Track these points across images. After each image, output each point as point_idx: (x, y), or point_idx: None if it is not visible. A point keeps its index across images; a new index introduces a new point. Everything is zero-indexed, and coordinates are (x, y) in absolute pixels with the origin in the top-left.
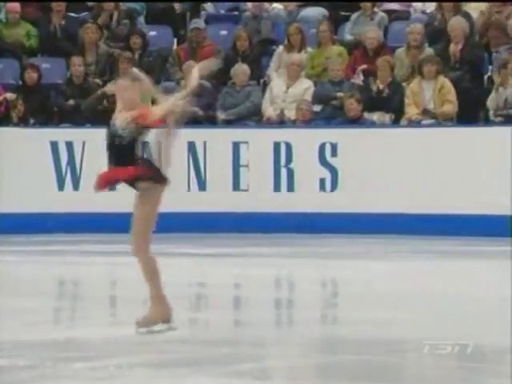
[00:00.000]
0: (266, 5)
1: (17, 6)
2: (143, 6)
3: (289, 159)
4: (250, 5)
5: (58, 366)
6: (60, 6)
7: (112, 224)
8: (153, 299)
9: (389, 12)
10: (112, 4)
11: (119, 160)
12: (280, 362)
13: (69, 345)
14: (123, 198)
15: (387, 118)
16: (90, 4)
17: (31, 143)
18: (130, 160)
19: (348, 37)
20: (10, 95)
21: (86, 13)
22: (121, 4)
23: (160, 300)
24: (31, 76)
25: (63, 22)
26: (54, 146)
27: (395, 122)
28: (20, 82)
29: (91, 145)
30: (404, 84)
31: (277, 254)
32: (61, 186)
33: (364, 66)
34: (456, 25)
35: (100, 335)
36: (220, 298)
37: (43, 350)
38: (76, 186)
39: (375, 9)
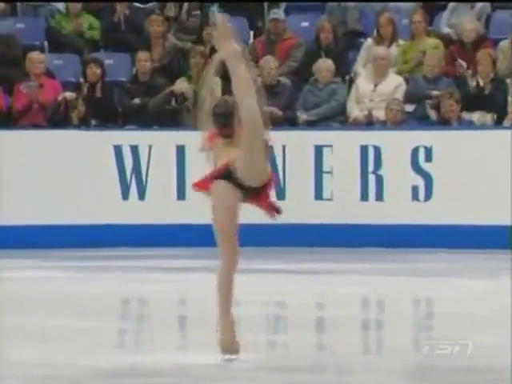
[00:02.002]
0: None
1: None
2: None
3: (377, 165)
4: None
5: None
6: None
7: (181, 237)
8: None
9: None
10: None
11: None
12: None
13: (133, 371)
14: (193, 209)
15: (489, 118)
16: None
17: (92, 147)
18: None
19: (445, 28)
20: (69, 94)
21: (152, 3)
22: None
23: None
24: (94, 72)
25: (127, 13)
26: (118, 150)
27: (498, 123)
28: (81, 80)
29: (158, 149)
30: (508, 80)
31: (364, 270)
32: (125, 195)
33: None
34: None
35: (168, 361)
36: (301, 318)
37: (105, 377)
38: (142, 195)
39: None
